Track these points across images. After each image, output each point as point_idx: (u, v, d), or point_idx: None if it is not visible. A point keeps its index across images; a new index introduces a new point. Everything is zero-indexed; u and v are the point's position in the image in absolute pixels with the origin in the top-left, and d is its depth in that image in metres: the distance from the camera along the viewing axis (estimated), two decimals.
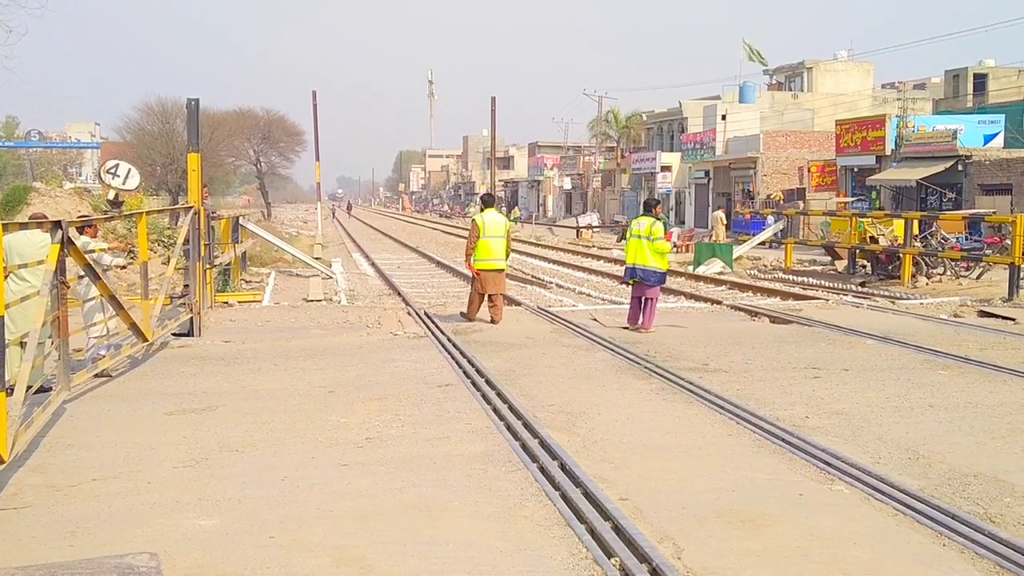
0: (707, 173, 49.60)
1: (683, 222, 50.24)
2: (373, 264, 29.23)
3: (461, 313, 13.93)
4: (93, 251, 9.63)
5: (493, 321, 13.25)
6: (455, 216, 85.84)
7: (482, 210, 13.77)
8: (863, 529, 5.14)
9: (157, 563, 4.51)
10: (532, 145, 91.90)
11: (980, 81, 44.80)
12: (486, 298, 13.40)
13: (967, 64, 46.35)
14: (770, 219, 33.47)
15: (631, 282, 12.86)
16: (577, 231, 48.03)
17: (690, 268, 24.87)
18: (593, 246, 38.39)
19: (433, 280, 24.01)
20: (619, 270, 15.13)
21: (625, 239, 13.16)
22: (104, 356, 9.52)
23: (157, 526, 5.12)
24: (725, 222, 35.54)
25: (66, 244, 7.68)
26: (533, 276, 24.14)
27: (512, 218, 69.32)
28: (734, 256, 25.96)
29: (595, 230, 49.87)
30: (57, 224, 7.62)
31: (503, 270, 13.44)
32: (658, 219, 12.92)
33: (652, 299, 12.73)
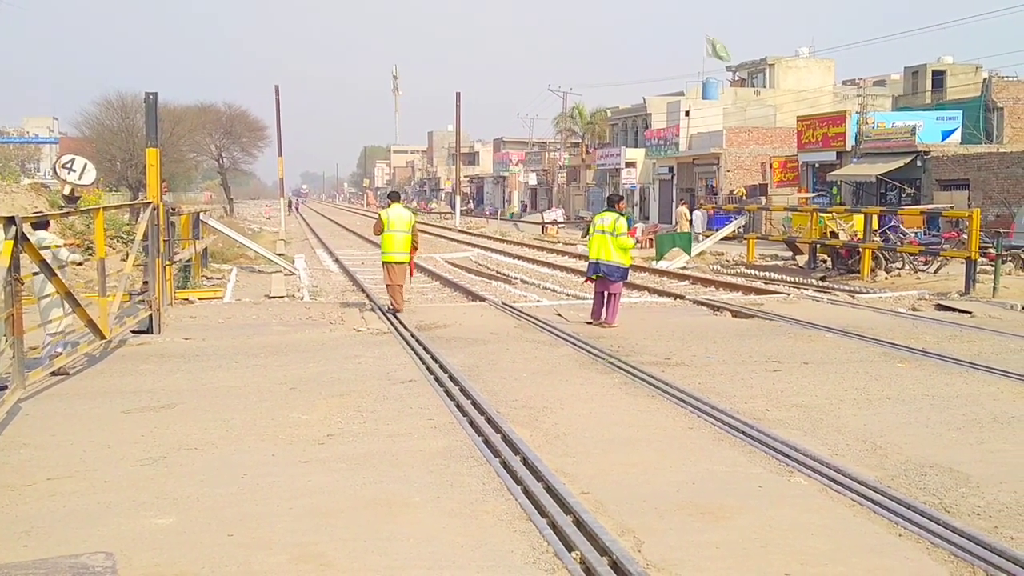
0: (671, 169, 49.85)
1: (647, 218, 50.46)
2: (337, 260, 29.00)
3: (389, 307, 14.28)
4: (48, 247, 9.47)
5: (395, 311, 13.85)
6: (420, 212, 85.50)
7: (388, 206, 14.45)
8: (821, 520, 5.20)
9: (113, 562, 4.46)
10: (497, 141, 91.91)
11: (938, 78, 45.43)
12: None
13: (926, 61, 46.98)
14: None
15: (594, 277, 12.87)
16: (542, 227, 48.09)
17: (653, 263, 25.00)
18: (558, 242, 38.44)
19: None
20: (584, 265, 15.14)
21: (589, 235, 13.19)
22: (61, 354, 9.38)
23: (113, 525, 5.06)
24: (689, 217, 35.77)
25: (20, 240, 7.55)
26: (498, 272, 24.15)
27: (509, 213, 69.82)
28: (696, 252, 26.15)
29: (560, 226, 49.93)
30: (11, 220, 7.49)
31: (404, 262, 14.15)
32: (622, 215, 12.96)
33: (615, 294, 12.78)
